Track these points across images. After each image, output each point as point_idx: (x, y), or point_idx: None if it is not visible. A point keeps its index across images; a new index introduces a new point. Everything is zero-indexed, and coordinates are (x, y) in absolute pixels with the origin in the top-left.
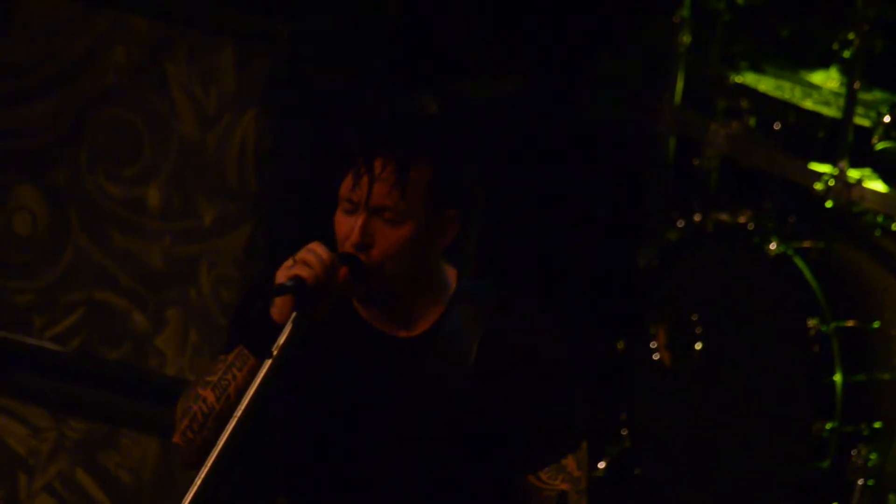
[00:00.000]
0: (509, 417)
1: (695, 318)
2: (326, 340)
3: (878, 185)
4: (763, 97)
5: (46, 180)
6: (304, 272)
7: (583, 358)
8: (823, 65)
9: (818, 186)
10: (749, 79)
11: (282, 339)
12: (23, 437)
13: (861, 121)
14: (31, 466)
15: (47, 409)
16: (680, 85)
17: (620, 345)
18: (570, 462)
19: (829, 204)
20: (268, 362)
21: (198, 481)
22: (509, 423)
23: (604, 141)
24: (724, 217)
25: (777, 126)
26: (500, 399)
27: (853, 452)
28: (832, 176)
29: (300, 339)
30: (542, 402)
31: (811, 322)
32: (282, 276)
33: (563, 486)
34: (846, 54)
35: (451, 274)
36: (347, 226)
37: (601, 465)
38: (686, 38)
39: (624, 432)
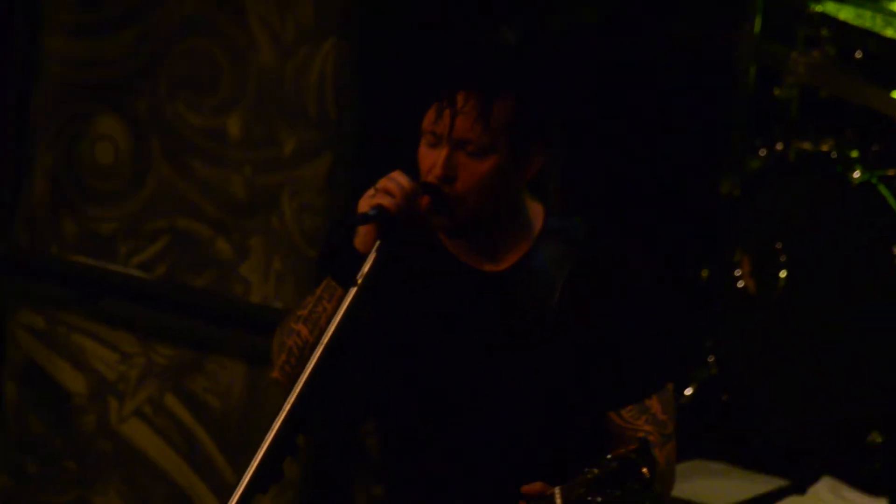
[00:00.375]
0: (595, 353)
1: (778, 246)
2: (413, 273)
3: None
4: (843, 25)
5: (128, 110)
6: (385, 201)
7: (668, 289)
8: None
9: None
10: (829, 7)
11: (366, 268)
12: (112, 362)
13: None
14: (120, 391)
15: (135, 334)
16: (760, 14)
17: (704, 273)
18: (654, 404)
19: None
20: (353, 291)
21: (286, 407)
22: (595, 359)
23: (684, 71)
24: (806, 146)
25: (858, 55)
26: (586, 333)
27: None
28: None
29: (385, 268)
30: (626, 338)
31: None
32: (364, 205)
33: (647, 428)
34: None
35: (537, 210)
36: (430, 158)
37: (688, 391)
38: None
39: (710, 359)
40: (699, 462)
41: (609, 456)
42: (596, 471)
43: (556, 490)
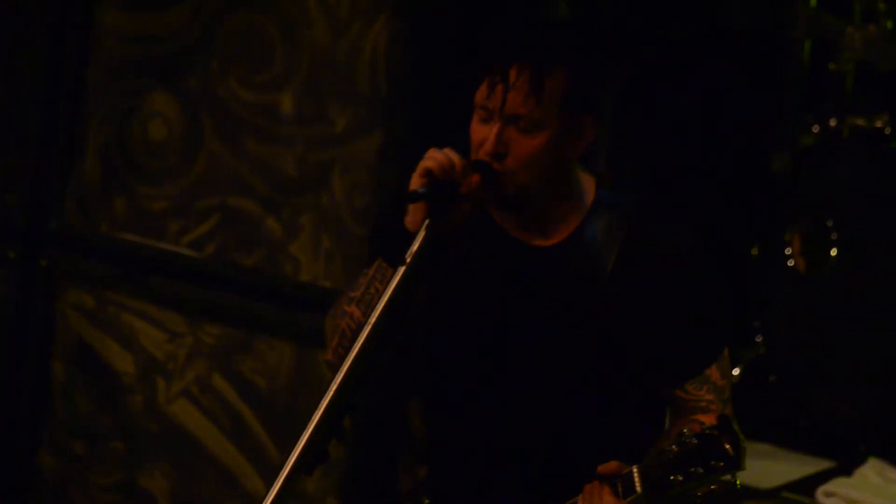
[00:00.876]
0: (649, 328)
1: (830, 223)
2: (463, 248)
3: None
4: None
5: (180, 86)
6: (430, 164)
7: (719, 264)
8: None
9: None
10: None
11: (415, 246)
12: (160, 341)
13: None
14: (168, 371)
15: (183, 314)
16: None
17: (755, 251)
18: (713, 372)
19: None
20: (401, 269)
21: (333, 387)
22: (649, 334)
23: (738, 44)
24: (859, 122)
25: None
26: (639, 308)
27: None
28: None
29: (435, 246)
30: (681, 311)
31: None
32: (414, 183)
33: (708, 397)
34: None
35: (589, 183)
36: (482, 134)
37: (735, 371)
38: None
39: (758, 339)
40: (745, 443)
41: (686, 431)
42: (675, 448)
43: (634, 469)
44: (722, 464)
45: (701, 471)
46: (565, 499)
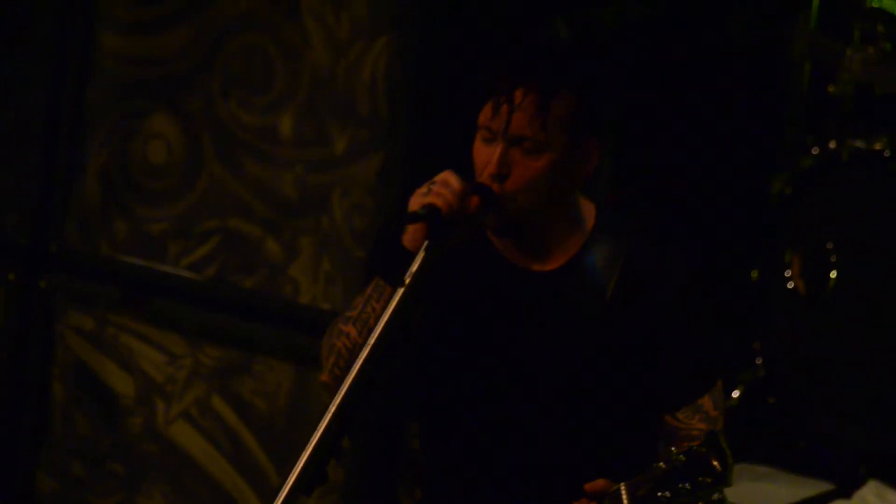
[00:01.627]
0: (646, 354)
1: (829, 246)
2: (462, 272)
3: None
4: None
5: (180, 108)
6: (436, 201)
7: (718, 289)
8: None
9: None
10: (885, 3)
11: (414, 267)
12: (160, 363)
13: None
14: (168, 393)
15: (183, 335)
16: (815, 10)
17: (754, 274)
18: (706, 402)
19: None
20: (401, 290)
21: (332, 409)
22: (646, 360)
23: (737, 67)
24: (859, 144)
25: None
26: (637, 334)
27: None
28: None
29: (434, 268)
30: (679, 337)
31: None
32: (414, 203)
33: (700, 426)
34: None
35: (588, 209)
36: (485, 155)
37: (735, 393)
38: None
39: (758, 361)
40: (745, 465)
41: (674, 449)
42: (663, 465)
43: (622, 486)
44: (709, 480)
45: (689, 487)
46: None
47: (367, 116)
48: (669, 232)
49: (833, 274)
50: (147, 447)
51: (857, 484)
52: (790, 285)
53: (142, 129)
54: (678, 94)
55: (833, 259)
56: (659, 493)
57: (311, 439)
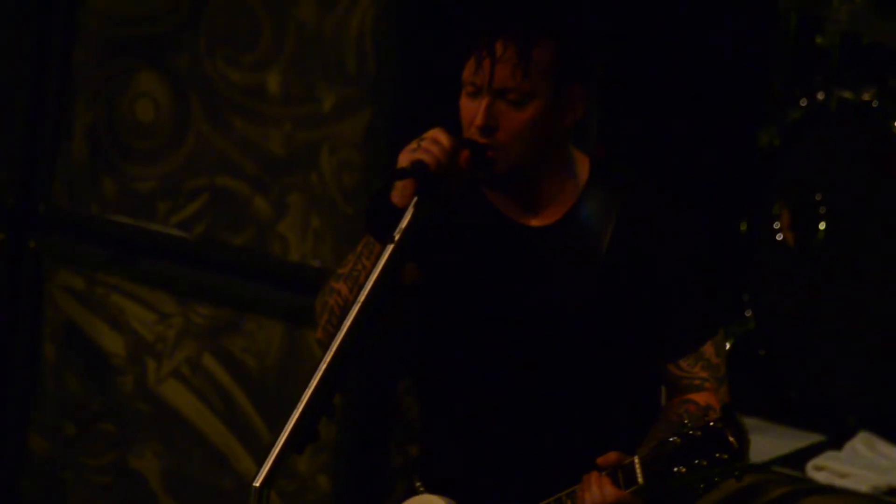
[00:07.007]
0: (647, 303)
1: (818, 197)
2: (459, 230)
3: None
4: None
5: (167, 66)
6: (424, 157)
7: (711, 240)
8: None
9: None
10: None
11: (403, 223)
12: (150, 322)
13: None
14: (158, 352)
15: (173, 294)
16: None
17: (743, 226)
18: (708, 349)
19: None
20: (390, 247)
21: (322, 366)
22: (647, 310)
23: (724, 18)
24: (847, 95)
25: None
26: (636, 284)
27: None
28: None
29: (423, 224)
30: (680, 285)
31: None
32: (403, 159)
33: (703, 374)
34: None
35: (583, 162)
36: (471, 109)
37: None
38: None
39: (748, 313)
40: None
41: (687, 422)
42: (677, 439)
43: (636, 459)
44: (726, 456)
45: (705, 463)
46: (561, 480)
47: (355, 73)
48: (662, 181)
49: (822, 225)
50: (138, 406)
51: (848, 435)
52: (779, 237)
53: (128, 88)
54: (663, 47)
55: (822, 211)
56: (674, 469)
57: (303, 397)
